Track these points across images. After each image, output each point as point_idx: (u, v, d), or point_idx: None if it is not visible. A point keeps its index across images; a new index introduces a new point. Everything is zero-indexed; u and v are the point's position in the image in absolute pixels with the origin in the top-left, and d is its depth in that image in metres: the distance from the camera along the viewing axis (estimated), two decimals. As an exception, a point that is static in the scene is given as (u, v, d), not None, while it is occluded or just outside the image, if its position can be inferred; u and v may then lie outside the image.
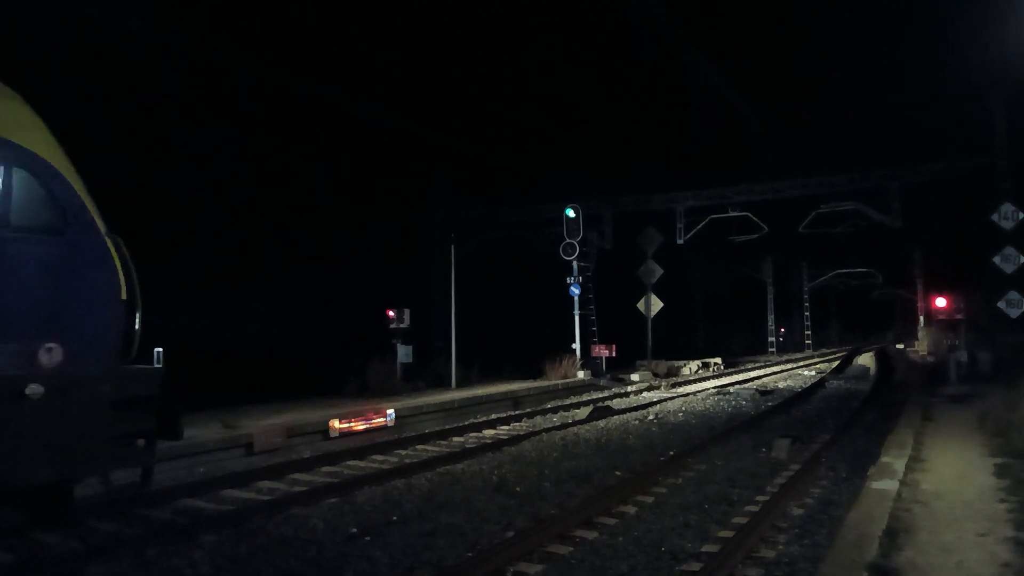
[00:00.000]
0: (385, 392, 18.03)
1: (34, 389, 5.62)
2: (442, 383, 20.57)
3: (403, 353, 19.55)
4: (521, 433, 12.95)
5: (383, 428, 13.80)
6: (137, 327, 6.41)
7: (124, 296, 6.33)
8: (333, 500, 8.10)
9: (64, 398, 5.84)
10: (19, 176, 5.80)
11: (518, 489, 8.74)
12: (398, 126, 23.61)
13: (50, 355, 5.79)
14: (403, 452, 11.43)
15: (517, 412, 16.42)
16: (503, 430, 13.87)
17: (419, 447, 11.87)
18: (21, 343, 5.62)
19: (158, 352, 7.20)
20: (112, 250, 6.28)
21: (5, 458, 5.48)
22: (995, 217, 18.57)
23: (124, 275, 6.34)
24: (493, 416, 15.52)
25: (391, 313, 19.90)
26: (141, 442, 6.47)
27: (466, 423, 14.27)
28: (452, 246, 21.48)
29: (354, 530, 7.07)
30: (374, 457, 10.93)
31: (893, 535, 5.97)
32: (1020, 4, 15.29)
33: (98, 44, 16.32)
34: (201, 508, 7.94)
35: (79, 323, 6.05)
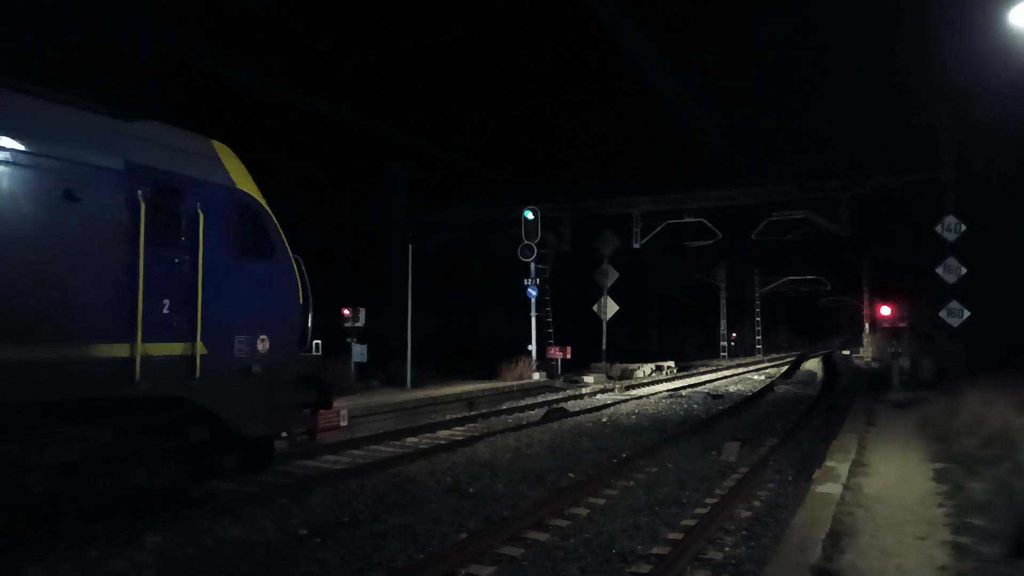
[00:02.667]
0: (339, 391, 17.83)
1: (256, 368, 7.76)
2: (397, 383, 20.44)
3: (358, 352, 19.36)
4: (475, 434, 12.94)
5: (336, 428, 13.64)
6: (310, 325, 8.55)
7: (301, 301, 8.43)
8: (283, 501, 7.96)
9: (271, 376, 7.93)
10: (244, 215, 7.88)
11: (471, 490, 8.73)
12: (356, 122, 23.39)
13: (263, 344, 7.91)
14: (356, 452, 11.32)
15: (472, 413, 16.41)
16: (457, 431, 13.84)
17: (372, 447, 11.78)
18: (248, 336, 7.74)
19: (316, 344, 8.90)
20: (295, 267, 8.39)
21: (242, 416, 7.62)
22: (939, 229, 19.15)
23: (301, 285, 8.44)
24: (448, 417, 15.48)
25: (346, 312, 19.69)
26: (307, 411, 8.66)
27: (420, 424, 14.21)
28: (410, 245, 21.36)
29: (304, 531, 6.98)
30: (326, 457, 10.80)
31: (836, 538, 6.13)
32: (963, 24, 15.84)
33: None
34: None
35: (278, 321, 8.15)
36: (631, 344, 36.66)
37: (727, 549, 6.61)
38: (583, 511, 7.88)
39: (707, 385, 26.30)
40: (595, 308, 29.21)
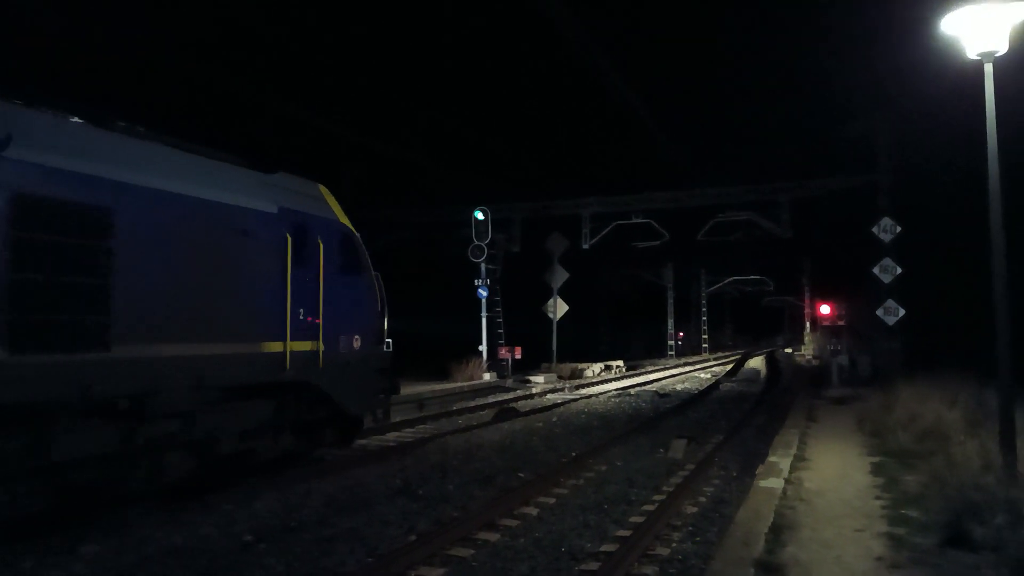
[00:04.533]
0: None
1: (353, 361, 10.01)
2: (345, 385, 20.15)
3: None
4: (425, 436, 12.88)
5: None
6: (386, 327, 10.85)
7: (379, 308, 10.74)
8: (227, 507, 7.79)
9: (363, 367, 10.29)
10: (344, 242, 10.09)
11: (421, 492, 8.68)
12: (304, 119, 23.04)
13: (357, 342, 10.18)
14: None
15: (422, 414, 16.29)
16: (407, 432, 13.74)
17: (320, 451, 11.59)
18: (348, 336, 10.00)
19: (388, 342, 10.97)
20: (375, 281, 10.69)
21: (346, 398, 9.99)
22: (875, 230, 19.77)
23: (380, 295, 10.75)
24: (397, 419, 15.32)
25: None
26: (383, 395, 11.00)
27: (368, 426, 14.03)
28: (358, 245, 21.09)
29: (249, 538, 6.83)
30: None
31: (778, 531, 6.29)
32: (899, 32, 16.39)
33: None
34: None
35: (366, 324, 10.45)
36: (581, 344, 36.92)
37: (674, 545, 6.71)
38: (533, 511, 7.91)
39: (655, 384, 26.66)
40: (545, 308, 29.34)
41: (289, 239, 8.95)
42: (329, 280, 9.59)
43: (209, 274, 7.96)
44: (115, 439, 7.13)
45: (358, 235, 10.41)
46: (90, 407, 6.85)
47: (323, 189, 10.27)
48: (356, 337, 10.16)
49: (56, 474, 6.71)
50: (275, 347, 8.69)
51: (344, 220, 10.24)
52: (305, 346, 9.16)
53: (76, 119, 7.21)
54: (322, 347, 9.39)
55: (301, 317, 9.09)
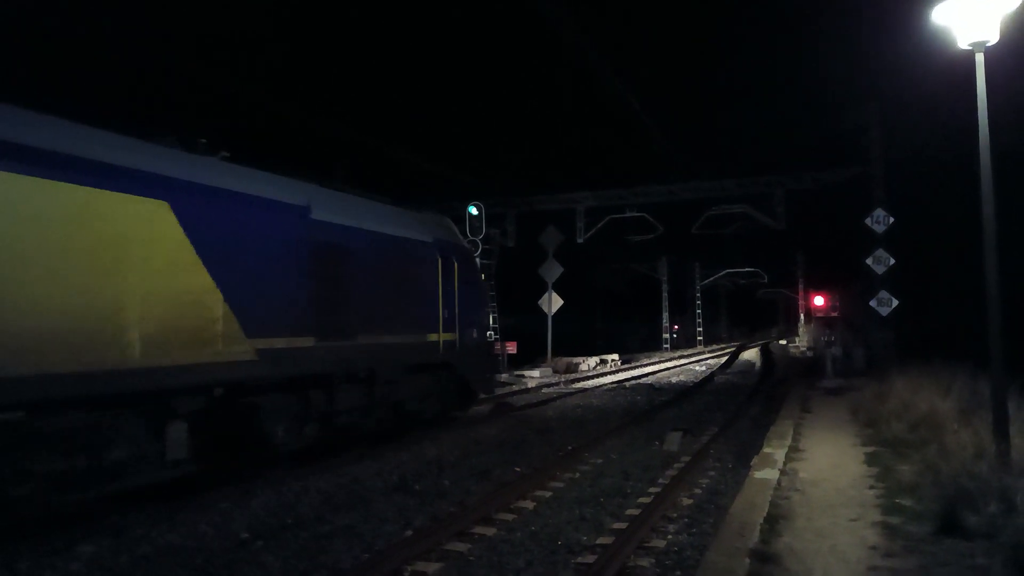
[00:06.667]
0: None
1: (473, 348, 13.30)
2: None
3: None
4: (421, 431, 12.85)
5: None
6: (491, 322, 14.20)
7: (488, 308, 13.20)
8: (224, 505, 7.78)
9: (478, 351, 13.66)
10: (467, 260, 13.51)
11: (417, 488, 8.69)
12: (296, 117, 22.99)
13: (475, 334, 13.38)
14: (299, 453, 11.13)
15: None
16: (403, 428, 13.73)
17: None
18: (470, 329, 13.22)
19: (489, 333, 13.95)
20: (486, 288, 13.88)
21: (471, 375, 13.37)
22: (868, 221, 19.80)
23: (488, 298, 13.58)
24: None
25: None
26: (489, 374, 14.54)
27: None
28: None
29: (245, 535, 6.83)
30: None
31: (773, 522, 6.32)
32: (890, 25, 16.39)
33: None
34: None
35: (480, 320, 13.85)
36: (576, 338, 36.95)
37: (670, 536, 6.73)
38: (529, 504, 7.92)
39: (650, 377, 26.69)
40: (541, 303, 29.32)
41: (439, 260, 12.42)
42: (460, 288, 12.91)
43: (399, 286, 11.36)
44: (360, 397, 10.56)
45: (474, 254, 13.74)
46: (348, 376, 10.29)
47: (449, 220, 13.80)
48: (475, 330, 13.44)
49: (330, 419, 10.07)
50: (433, 337, 12.12)
51: (464, 243, 13.74)
52: (448, 336, 12.49)
53: (316, 184, 10.21)
54: (457, 337, 12.74)
55: (446, 316, 12.43)
